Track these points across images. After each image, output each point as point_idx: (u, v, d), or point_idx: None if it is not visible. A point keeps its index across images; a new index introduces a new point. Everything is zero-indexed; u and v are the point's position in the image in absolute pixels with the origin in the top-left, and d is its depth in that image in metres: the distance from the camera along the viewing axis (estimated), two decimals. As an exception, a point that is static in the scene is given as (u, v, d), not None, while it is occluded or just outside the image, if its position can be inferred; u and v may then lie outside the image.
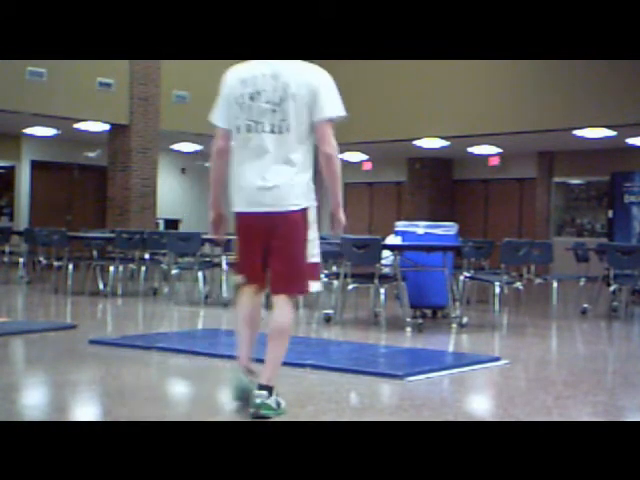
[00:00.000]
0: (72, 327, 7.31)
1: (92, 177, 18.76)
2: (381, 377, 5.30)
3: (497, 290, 8.52)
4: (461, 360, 6.12)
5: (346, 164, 20.49)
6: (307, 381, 5.28)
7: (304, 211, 3.96)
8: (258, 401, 3.91)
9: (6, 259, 12.78)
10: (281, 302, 3.99)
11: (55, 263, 11.17)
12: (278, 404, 3.98)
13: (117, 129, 15.17)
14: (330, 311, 8.20)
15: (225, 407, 4.65)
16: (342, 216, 4.07)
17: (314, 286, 4.08)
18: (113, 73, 14.70)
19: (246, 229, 4.11)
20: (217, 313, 9.10)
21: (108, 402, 4.53)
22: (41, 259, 12.75)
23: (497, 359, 6.06)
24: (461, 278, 9.04)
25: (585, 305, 9.75)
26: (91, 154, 18.67)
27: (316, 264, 4.06)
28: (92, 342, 6.30)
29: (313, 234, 4.00)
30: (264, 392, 3.92)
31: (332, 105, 3.98)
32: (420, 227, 8.68)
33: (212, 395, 4.83)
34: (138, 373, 5.49)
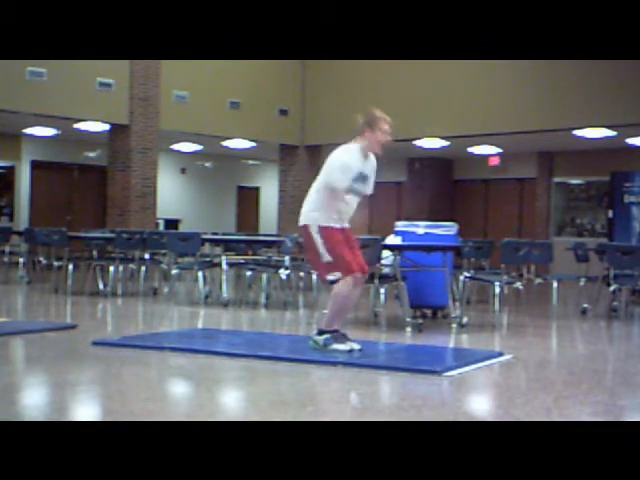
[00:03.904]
0: (72, 327, 7.31)
1: (92, 177, 18.77)
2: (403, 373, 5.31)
3: (497, 290, 8.52)
4: (466, 357, 6.12)
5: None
6: (307, 381, 5.28)
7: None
8: (311, 336, 6.14)
9: (6, 259, 12.79)
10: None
11: (55, 263, 11.17)
12: (325, 344, 5.97)
13: (117, 129, 15.17)
14: (330, 311, 8.20)
15: (226, 407, 4.66)
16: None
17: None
18: (113, 73, 14.70)
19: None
20: (217, 313, 9.11)
21: (108, 402, 4.53)
22: (41, 259, 12.76)
23: (502, 354, 6.21)
24: (461, 278, 9.04)
25: (585, 305, 9.75)
26: (91, 154, 18.67)
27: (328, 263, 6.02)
28: (95, 344, 6.29)
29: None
30: (317, 332, 6.08)
31: (325, 175, 6.06)
32: (420, 227, 8.68)
33: (212, 395, 4.84)
34: (138, 373, 5.50)
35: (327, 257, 5.99)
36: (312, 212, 6.06)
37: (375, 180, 6.25)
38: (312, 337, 6.12)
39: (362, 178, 6.08)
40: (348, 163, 5.99)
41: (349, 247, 6.11)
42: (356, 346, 6.05)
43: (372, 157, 6.20)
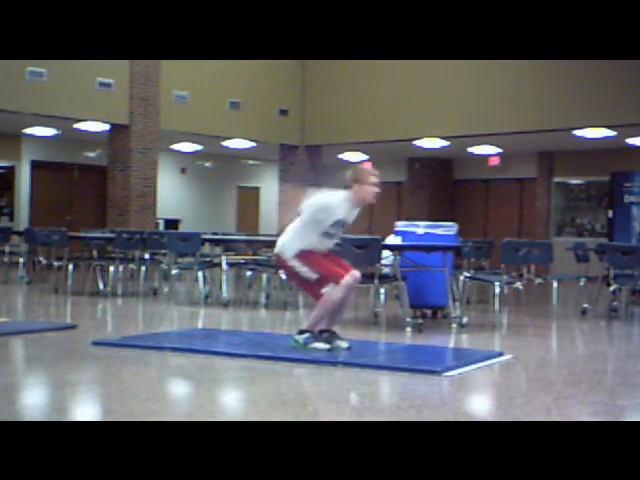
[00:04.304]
0: (72, 327, 7.31)
1: (92, 177, 18.77)
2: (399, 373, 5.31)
3: (497, 290, 8.51)
4: (466, 357, 6.12)
5: (346, 164, 20.52)
6: (307, 381, 5.28)
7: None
8: (293, 336, 6.16)
9: (6, 259, 12.79)
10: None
11: (55, 263, 11.17)
12: (305, 343, 6.04)
13: (117, 129, 15.16)
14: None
15: (226, 407, 4.66)
16: None
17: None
18: (113, 73, 14.70)
19: None
20: (217, 313, 9.11)
21: (108, 402, 4.53)
22: (41, 259, 12.77)
23: (502, 354, 6.20)
24: (461, 278, 9.04)
25: (585, 305, 9.75)
26: (91, 154, 18.67)
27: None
28: (95, 344, 6.29)
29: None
30: (298, 332, 6.15)
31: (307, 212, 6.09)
32: (420, 227, 8.68)
33: (212, 395, 4.84)
34: (138, 373, 5.50)
35: (313, 275, 6.08)
36: (288, 242, 6.14)
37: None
38: (293, 336, 6.18)
39: (343, 224, 6.22)
40: (334, 207, 6.09)
41: (329, 260, 6.19)
42: (344, 345, 6.08)
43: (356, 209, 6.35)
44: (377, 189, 6.26)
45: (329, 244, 6.26)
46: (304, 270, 6.09)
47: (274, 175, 19.76)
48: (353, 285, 6.10)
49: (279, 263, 6.35)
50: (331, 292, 6.00)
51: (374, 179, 6.25)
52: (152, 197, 15.35)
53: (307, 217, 6.09)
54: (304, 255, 6.08)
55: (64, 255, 10.91)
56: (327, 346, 6.02)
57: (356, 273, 6.12)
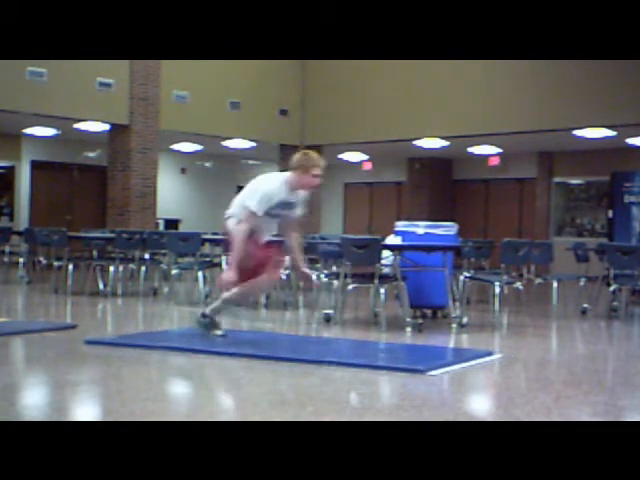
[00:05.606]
0: (72, 327, 7.31)
1: (92, 177, 18.77)
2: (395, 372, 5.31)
3: (497, 290, 8.51)
4: (461, 355, 6.12)
5: (346, 164, 20.51)
6: (307, 381, 5.28)
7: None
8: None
9: (6, 259, 12.79)
10: None
11: (55, 263, 11.17)
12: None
13: (117, 129, 15.16)
14: (330, 311, 8.20)
15: (226, 407, 4.66)
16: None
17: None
18: (113, 73, 14.70)
19: None
20: (217, 313, 9.09)
21: (108, 402, 4.53)
22: (41, 259, 12.76)
23: (492, 353, 6.19)
24: (461, 278, 9.04)
25: (585, 305, 9.75)
26: (91, 154, 18.67)
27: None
28: (89, 342, 6.29)
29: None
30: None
31: (245, 197, 6.34)
32: (420, 227, 8.68)
33: (212, 395, 4.84)
34: (138, 373, 5.50)
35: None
36: (237, 212, 6.32)
37: (302, 206, 6.55)
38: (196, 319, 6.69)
39: (285, 204, 6.35)
40: (269, 194, 6.25)
41: (256, 257, 6.35)
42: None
43: (301, 191, 6.47)
44: (318, 181, 6.40)
45: (273, 223, 6.43)
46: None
47: (274, 175, 19.73)
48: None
49: (225, 231, 6.45)
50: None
51: (317, 170, 6.38)
52: (152, 197, 15.34)
53: (244, 201, 6.27)
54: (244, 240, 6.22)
55: (64, 255, 10.90)
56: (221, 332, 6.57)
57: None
